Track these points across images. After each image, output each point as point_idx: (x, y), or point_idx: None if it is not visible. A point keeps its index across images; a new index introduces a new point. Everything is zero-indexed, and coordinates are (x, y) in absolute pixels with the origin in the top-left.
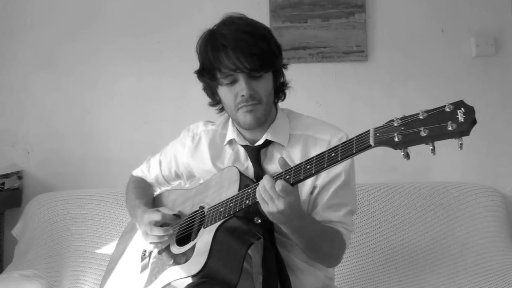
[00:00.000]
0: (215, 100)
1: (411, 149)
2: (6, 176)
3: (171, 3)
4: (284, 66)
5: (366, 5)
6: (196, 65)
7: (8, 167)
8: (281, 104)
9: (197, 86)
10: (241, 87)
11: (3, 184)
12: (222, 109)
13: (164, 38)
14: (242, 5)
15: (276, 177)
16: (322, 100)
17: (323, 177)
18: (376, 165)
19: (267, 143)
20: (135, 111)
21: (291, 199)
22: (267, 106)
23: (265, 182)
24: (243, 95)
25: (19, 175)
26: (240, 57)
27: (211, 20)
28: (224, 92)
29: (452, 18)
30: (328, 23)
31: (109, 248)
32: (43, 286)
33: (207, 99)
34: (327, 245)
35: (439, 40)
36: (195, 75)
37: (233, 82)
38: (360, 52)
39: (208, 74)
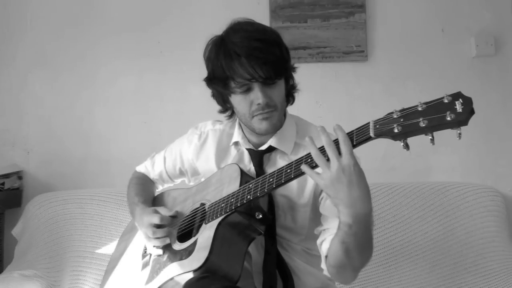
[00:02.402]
0: (226, 108)
1: (411, 142)
2: (6, 176)
3: (171, 3)
4: (294, 69)
5: (366, 5)
6: (196, 65)
7: (8, 167)
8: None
9: (197, 86)
10: (257, 95)
11: (3, 184)
12: (231, 116)
13: (164, 38)
14: (242, 5)
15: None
16: (322, 100)
17: None
18: (376, 165)
19: (271, 148)
20: (135, 111)
21: (348, 163)
22: (281, 111)
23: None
24: (259, 103)
25: (19, 175)
26: (255, 66)
27: (211, 20)
28: (237, 100)
29: (452, 18)
30: (328, 23)
31: (109, 248)
32: (43, 286)
33: (206, 99)
34: (367, 253)
35: (439, 40)
36: (195, 75)
37: (248, 90)
38: (360, 52)
39: (220, 83)
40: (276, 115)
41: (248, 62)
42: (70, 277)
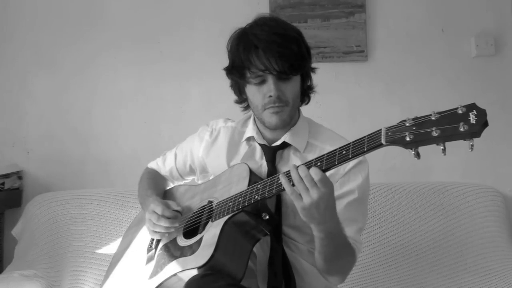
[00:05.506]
0: (242, 98)
1: (421, 148)
2: (6, 176)
3: (171, 3)
4: (313, 69)
5: (366, 5)
6: (196, 65)
7: (8, 167)
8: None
9: (197, 86)
10: (269, 88)
11: (3, 184)
12: (247, 108)
13: (164, 38)
14: (242, 5)
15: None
16: (322, 100)
17: (336, 189)
18: (376, 165)
19: (284, 145)
20: (135, 111)
21: (326, 191)
22: (293, 108)
23: (299, 171)
24: (270, 96)
25: (19, 175)
26: (271, 58)
27: (211, 20)
28: (252, 91)
29: (452, 18)
30: (328, 23)
31: (109, 248)
32: (43, 286)
33: (206, 99)
34: (347, 257)
35: (439, 40)
36: (195, 75)
37: (262, 82)
38: (360, 52)
39: (237, 73)
40: (287, 111)
41: (264, 54)
42: (70, 277)
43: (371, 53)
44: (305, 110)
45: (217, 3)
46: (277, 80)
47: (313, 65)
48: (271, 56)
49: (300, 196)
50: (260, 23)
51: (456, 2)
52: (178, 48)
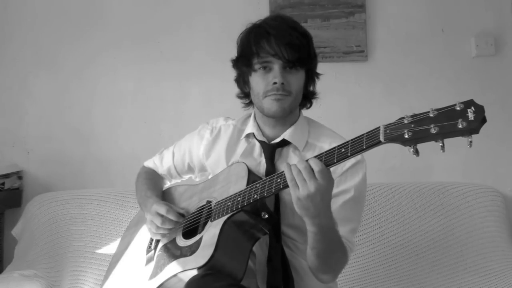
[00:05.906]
0: (244, 93)
1: (420, 147)
2: (6, 176)
3: (171, 3)
4: (317, 75)
5: (366, 5)
6: (196, 65)
7: (8, 167)
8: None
9: (197, 86)
10: (275, 74)
11: (3, 184)
12: (248, 104)
13: (164, 38)
14: (242, 5)
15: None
16: (322, 100)
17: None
18: (376, 165)
19: (284, 143)
20: (135, 111)
21: (324, 184)
22: (294, 101)
23: (297, 163)
24: (275, 83)
25: (19, 175)
26: (281, 45)
27: (211, 20)
28: (256, 79)
29: (452, 18)
30: (328, 23)
31: (109, 248)
32: (43, 286)
33: (206, 99)
34: (339, 255)
35: (439, 40)
36: (195, 75)
37: (268, 70)
38: (360, 52)
39: (244, 60)
40: (288, 101)
41: (275, 40)
42: (70, 277)
43: (371, 53)
44: (305, 110)
45: (217, 3)
46: (283, 69)
47: None
48: (282, 44)
49: (297, 186)
50: (273, 17)
51: (456, 2)
52: (178, 48)
